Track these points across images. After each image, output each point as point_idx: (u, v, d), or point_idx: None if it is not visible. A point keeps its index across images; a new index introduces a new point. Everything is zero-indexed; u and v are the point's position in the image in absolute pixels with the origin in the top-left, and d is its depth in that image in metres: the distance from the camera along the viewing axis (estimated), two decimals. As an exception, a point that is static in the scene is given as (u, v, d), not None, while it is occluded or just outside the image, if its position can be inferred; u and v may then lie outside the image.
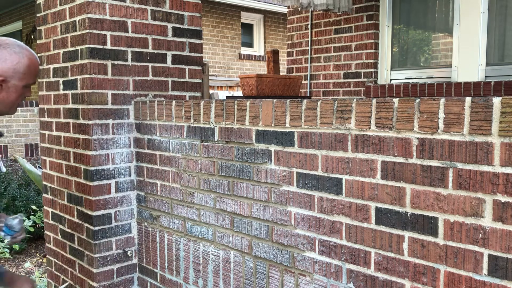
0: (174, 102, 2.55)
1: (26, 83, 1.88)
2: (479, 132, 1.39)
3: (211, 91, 7.74)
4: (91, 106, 2.66)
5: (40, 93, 3.12)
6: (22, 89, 1.88)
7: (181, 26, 3.02)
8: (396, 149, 1.59)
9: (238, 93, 8.81)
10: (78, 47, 2.71)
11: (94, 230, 2.70)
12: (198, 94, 3.15)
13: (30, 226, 4.67)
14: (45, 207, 3.21)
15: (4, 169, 2.09)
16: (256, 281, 2.15)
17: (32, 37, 10.71)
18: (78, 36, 2.71)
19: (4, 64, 1.80)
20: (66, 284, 2.33)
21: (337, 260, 1.81)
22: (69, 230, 2.95)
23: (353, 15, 4.84)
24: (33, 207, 5.09)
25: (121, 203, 2.81)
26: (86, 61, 2.66)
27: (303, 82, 5.29)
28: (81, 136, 2.74)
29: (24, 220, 2.39)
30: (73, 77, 2.77)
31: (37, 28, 3.11)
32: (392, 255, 1.63)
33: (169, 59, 2.97)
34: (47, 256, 3.28)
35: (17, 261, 4.51)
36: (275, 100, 1.99)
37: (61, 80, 2.90)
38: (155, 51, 2.90)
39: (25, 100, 8.73)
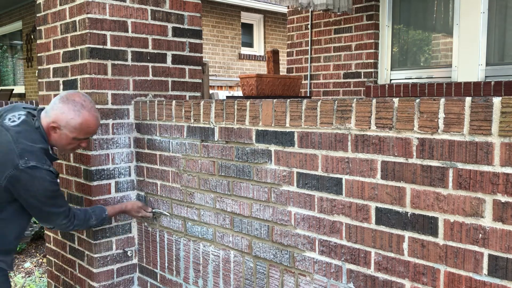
0: (174, 102, 2.55)
1: (75, 136, 2.21)
2: (479, 132, 1.39)
3: (211, 91, 7.74)
4: (91, 106, 2.66)
5: (40, 93, 3.12)
6: (72, 140, 2.23)
7: (181, 26, 3.02)
8: (396, 149, 1.59)
9: (238, 93, 8.80)
10: (78, 47, 2.71)
11: (94, 230, 2.70)
12: (198, 94, 3.15)
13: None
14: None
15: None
16: (256, 281, 2.15)
17: (32, 37, 10.71)
18: (78, 36, 2.71)
19: (61, 116, 2.18)
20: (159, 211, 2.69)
21: (337, 260, 1.81)
22: (69, 230, 2.95)
23: (353, 15, 4.84)
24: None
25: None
26: (86, 61, 2.66)
27: (303, 82, 5.29)
28: (81, 136, 2.74)
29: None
30: (73, 77, 2.77)
31: (37, 28, 3.11)
32: (392, 255, 1.63)
33: (169, 59, 2.97)
34: (47, 256, 3.28)
35: (17, 261, 4.51)
36: (275, 100, 1.99)
37: (61, 80, 2.90)
38: (155, 51, 2.90)
39: (25, 99, 8.74)
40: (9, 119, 2.13)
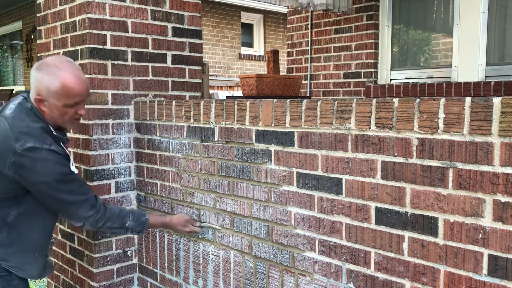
0: (174, 102, 2.55)
1: (64, 103, 1.95)
2: (479, 132, 1.39)
3: (211, 91, 7.74)
4: (91, 106, 2.66)
5: (40, 93, 3.11)
6: (63, 108, 1.96)
7: (181, 26, 3.02)
8: (396, 149, 1.59)
9: (238, 93, 8.80)
10: (78, 47, 2.71)
11: (94, 230, 2.70)
12: (198, 94, 3.15)
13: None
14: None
15: (76, 170, 2.16)
16: (256, 281, 2.15)
17: (32, 37, 10.71)
18: (78, 36, 2.71)
19: (40, 85, 1.95)
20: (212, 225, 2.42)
21: (337, 260, 1.81)
22: (69, 230, 2.95)
23: (353, 15, 4.84)
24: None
25: (121, 203, 2.81)
26: (86, 61, 2.66)
27: (303, 82, 5.29)
28: (81, 136, 2.74)
29: None
30: (73, 77, 2.77)
31: (37, 28, 3.11)
32: (392, 255, 1.63)
33: (169, 59, 2.97)
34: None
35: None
36: (275, 100, 1.99)
37: (61, 80, 2.89)
38: (155, 51, 2.90)
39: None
40: (9, 108, 2.00)
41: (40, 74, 1.95)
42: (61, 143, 2.02)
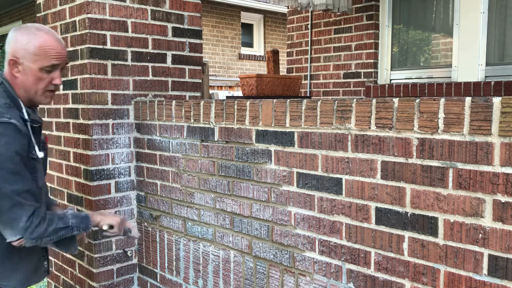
0: (174, 102, 2.55)
1: (40, 66, 1.80)
2: (479, 132, 1.39)
3: (211, 91, 7.74)
4: (91, 106, 2.66)
5: (40, 93, 3.11)
6: (39, 72, 1.80)
7: (181, 26, 3.02)
8: (396, 149, 1.59)
9: (238, 93, 8.80)
10: (78, 47, 2.71)
11: (94, 230, 2.70)
12: (198, 94, 3.15)
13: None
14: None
15: (42, 155, 1.94)
16: (256, 281, 2.15)
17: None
18: (78, 36, 2.70)
19: (16, 45, 1.79)
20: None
21: (337, 260, 1.81)
22: (69, 230, 2.95)
23: (353, 15, 4.84)
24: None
25: (121, 203, 2.81)
26: (86, 61, 2.65)
27: (303, 82, 5.29)
28: (81, 136, 2.74)
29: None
30: (73, 77, 2.77)
31: (37, 28, 3.11)
32: (392, 255, 1.63)
33: (169, 59, 2.97)
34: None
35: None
36: (275, 100, 1.99)
37: (61, 80, 2.89)
38: (155, 51, 2.90)
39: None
40: None
41: (19, 33, 1.81)
42: (28, 124, 1.80)
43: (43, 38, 1.81)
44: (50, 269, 3.16)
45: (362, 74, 4.78)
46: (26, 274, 1.88)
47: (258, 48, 13.08)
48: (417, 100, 1.52)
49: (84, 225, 1.92)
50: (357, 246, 1.74)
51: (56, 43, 1.84)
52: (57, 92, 2.94)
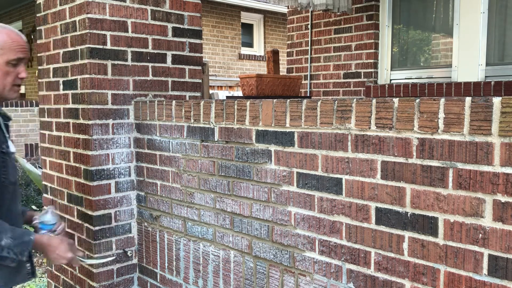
0: (174, 102, 2.55)
1: (7, 60, 1.85)
2: (479, 132, 1.39)
3: (211, 91, 7.74)
4: (91, 106, 2.66)
5: (40, 93, 3.12)
6: (6, 66, 1.86)
7: (181, 26, 3.02)
8: (396, 149, 1.59)
9: (238, 93, 8.81)
10: (78, 47, 2.71)
11: (94, 230, 2.70)
12: (198, 94, 3.15)
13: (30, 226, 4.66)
14: (45, 207, 3.21)
15: (14, 149, 1.97)
16: (256, 281, 2.15)
17: (32, 37, 10.71)
18: (78, 36, 2.71)
19: None
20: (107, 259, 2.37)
21: (337, 260, 1.81)
22: (69, 230, 2.95)
23: (353, 15, 4.84)
24: (33, 207, 5.09)
25: (121, 203, 2.81)
26: (86, 61, 2.66)
27: (303, 82, 5.29)
28: (81, 136, 2.74)
29: (55, 209, 2.14)
30: (73, 77, 2.77)
31: (37, 28, 3.11)
32: (392, 255, 1.63)
33: (169, 59, 2.97)
34: (47, 256, 3.28)
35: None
36: (275, 100, 1.99)
37: (61, 80, 2.90)
38: (155, 51, 2.90)
39: (25, 99, 8.74)
40: None
41: None
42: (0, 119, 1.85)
43: (6, 33, 1.87)
44: (37, 272, 3.10)
45: (362, 74, 4.78)
46: (8, 274, 1.87)
47: (258, 48, 13.08)
48: (417, 100, 1.52)
49: (19, 250, 1.77)
50: (357, 246, 1.74)
51: (19, 37, 1.92)
52: (57, 92, 2.95)
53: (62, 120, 2.92)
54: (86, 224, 2.77)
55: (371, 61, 4.72)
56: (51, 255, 1.93)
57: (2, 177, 1.84)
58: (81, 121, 2.73)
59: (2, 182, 1.85)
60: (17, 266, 1.87)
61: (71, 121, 2.83)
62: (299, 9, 5.01)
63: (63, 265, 3.07)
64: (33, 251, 1.91)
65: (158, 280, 2.75)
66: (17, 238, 1.76)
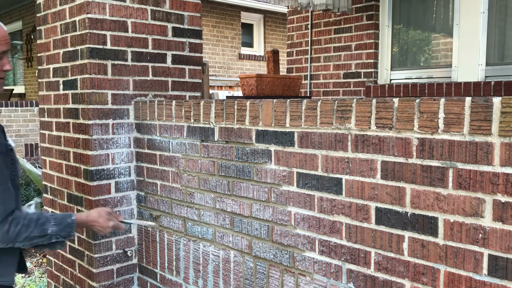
0: (174, 102, 2.55)
1: None
2: (479, 132, 1.39)
3: (211, 91, 7.74)
4: (91, 106, 2.66)
5: (40, 93, 3.12)
6: None
7: (181, 26, 3.02)
8: (396, 149, 1.59)
9: (238, 93, 8.80)
10: (78, 47, 2.71)
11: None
12: (198, 94, 3.15)
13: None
14: (45, 207, 3.21)
15: (13, 144, 1.92)
16: (256, 281, 2.15)
17: (32, 37, 10.71)
18: (78, 36, 2.71)
19: None
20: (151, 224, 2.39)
21: (337, 260, 1.81)
22: (69, 230, 2.95)
23: (353, 15, 4.84)
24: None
25: (121, 203, 2.81)
26: (86, 61, 2.66)
27: (303, 82, 5.29)
28: (81, 136, 2.74)
29: (40, 203, 2.08)
30: (73, 77, 2.77)
31: (37, 28, 3.11)
32: (392, 255, 1.63)
33: (169, 59, 2.97)
34: (47, 256, 3.28)
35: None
36: (275, 100, 1.99)
37: (61, 80, 2.90)
38: (155, 51, 2.90)
39: (25, 99, 8.74)
40: None
41: None
42: None
43: None
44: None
45: (362, 74, 4.78)
46: (15, 267, 1.88)
47: (258, 48, 13.08)
48: (417, 100, 1.52)
49: (66, 233, 1.84)
50: (357, 246, 1.74)
51: (1, 29, 1.85)
52: (57, 92, 2.95)
53: (62, 120, 2.92)
54: (86, 224, 2.77)
55: (371, 61, 4.72)
56: (94, 229, 2.02)
57: (12, 175, 1.80)
58: (81, 121, 2.73)
59: (13, 180, 1.81)
60: (18, 260, 1.89)
61: (71, 121, 2.83)
62: (299, 9, 5.01)
63: (63, 265, 3.07)
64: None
65: (158, 280, 2.75)
66: (60, 223, 1.83)
